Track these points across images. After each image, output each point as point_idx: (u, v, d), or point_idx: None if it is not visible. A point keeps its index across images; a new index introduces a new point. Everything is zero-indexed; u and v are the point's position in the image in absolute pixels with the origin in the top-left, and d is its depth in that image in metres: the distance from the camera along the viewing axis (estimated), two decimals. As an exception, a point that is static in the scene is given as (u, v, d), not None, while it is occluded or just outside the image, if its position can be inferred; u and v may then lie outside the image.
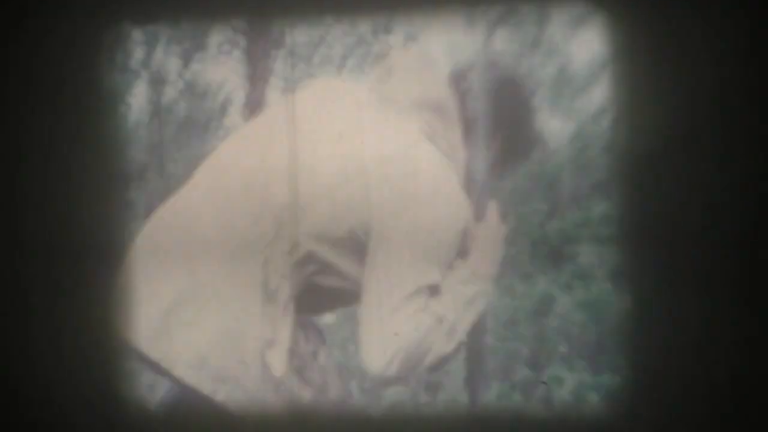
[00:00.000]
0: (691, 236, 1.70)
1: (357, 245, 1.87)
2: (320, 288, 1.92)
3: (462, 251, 1.90)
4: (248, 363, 1.84)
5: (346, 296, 1.93)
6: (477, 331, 1.96)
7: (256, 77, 7.15)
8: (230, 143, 2.05)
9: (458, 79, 1.98)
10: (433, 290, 1.85)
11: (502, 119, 2.00)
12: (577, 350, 3.82)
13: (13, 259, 1.81)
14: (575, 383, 3.53)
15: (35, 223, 1.84)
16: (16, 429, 1.77)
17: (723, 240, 1.69)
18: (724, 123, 1.70)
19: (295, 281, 1.88)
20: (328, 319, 2.28)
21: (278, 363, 1.85)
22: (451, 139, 1.95)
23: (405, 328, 1.79)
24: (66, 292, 1.83)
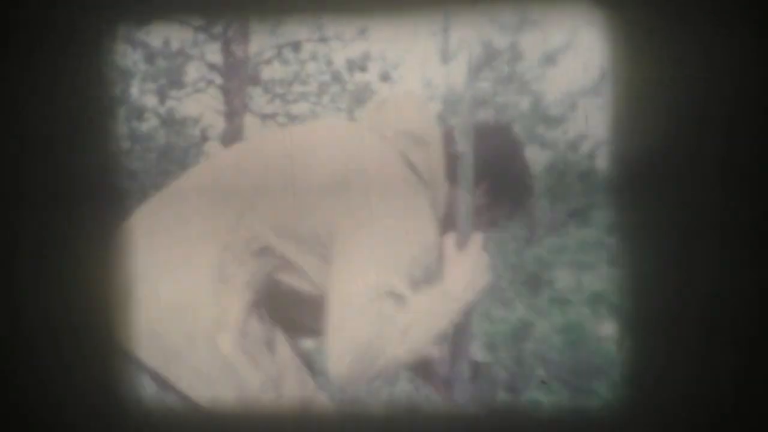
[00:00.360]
0: (692, 254, 1.72)
1: (320, 247, 1.92)
2: (284, 288, 1.95)
3: (436, 275, 1.95)
4: (196, 340, 1.88)
5: (315, 306, 1.96)
6: (457, 355, 2.00)
7: (233, 113, 7.20)
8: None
9: (446, 119, 2.06)
10: (397, 300, 1.89)
11: (491, 162, 2.06)
12: (555, 374, 3.86)
13: (7, 263, 1.83)
14: (553, 407, 3.57)
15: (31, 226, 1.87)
16: (15, 429, 1.79)
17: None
18: (725, 137, 1.73)
19: (255, 273, 1.93)
20: (308, 344, 2.31)
21: (227, 343, 1.89)
22: (433, 170, 2.00)
23: (359, 326, 1.83)
24: (62, 293, 1.85)
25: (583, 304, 4.11)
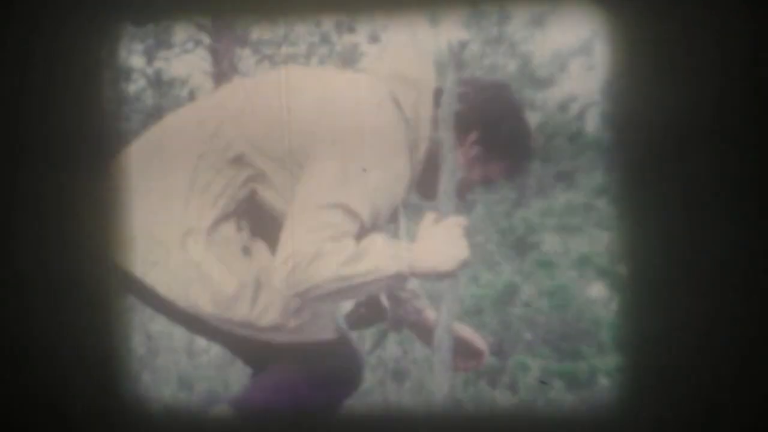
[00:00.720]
0: (692, 233, 1.73)
1: (294, 166, 1.95)
2: (262, 202, 1.98)
3: (408, 234, 1.99)
4: (169, 247, 1.93)
5: None
6: (444, 318, 2.01)
7: (221, 74, 7.16)
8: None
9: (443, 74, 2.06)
10: (352, 216, 1.90)
11: (483, 114, 2.07)
12: (541, 337, 3.89)
13: (13, 257, 1.84)
14: (540, 370, 3.60)
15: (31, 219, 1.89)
16: (14, 429, 1.80)
17: (714, 220, 1.72)
18: (725, 121, 1.73)
19: (230, 181, 1.97)
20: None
21: (196, 248, 1.94)
22: (418, 113, 2.02)
23: (308, 235, 1.87)
24: (65, 292, 1.87)
25: (570, 267, 4.13)
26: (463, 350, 2.17)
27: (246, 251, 1.97)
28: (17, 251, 1.88)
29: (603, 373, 3.67)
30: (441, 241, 1.93)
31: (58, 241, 1.92)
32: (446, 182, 1.99)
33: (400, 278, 1.94)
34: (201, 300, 1.92)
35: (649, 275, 1.73)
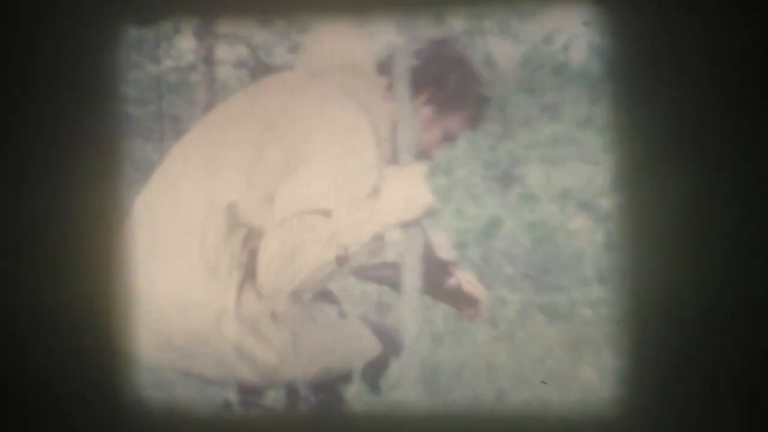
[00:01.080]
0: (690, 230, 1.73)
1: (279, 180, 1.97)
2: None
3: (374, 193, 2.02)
4: (204, 333, 1.96)
5: None
6: (427, 254, 2.03)
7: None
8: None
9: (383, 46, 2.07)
10: (326, 215, 1.94)
11: (430, 73, 2.09)
12: (521, 271, 3.92)
13: (13, 257, 1.85)
14: (520, 304, 3.64)
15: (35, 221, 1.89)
16: (15, 428, 1.83)
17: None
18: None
19: (234, 249, 2.00)
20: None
21: (230, 329, 1.97)
22: (369, 94, 2.04)
23: (284, 236, 1.90)
24: (65, 290, 1.88)
25: (552, 200, 4.15)
26: (463, 299, 2.22)
27: (274, 316, 1.99)
28: (20, 252, 1.88)
29: (584, 305, 3.71)
30: (403, 193, 1.97)
31: (59, 247, 1.91)
32: (404, 137, 2.01)
33: (377, 238, 1.98)
34: (247, 375, 1.96)
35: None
